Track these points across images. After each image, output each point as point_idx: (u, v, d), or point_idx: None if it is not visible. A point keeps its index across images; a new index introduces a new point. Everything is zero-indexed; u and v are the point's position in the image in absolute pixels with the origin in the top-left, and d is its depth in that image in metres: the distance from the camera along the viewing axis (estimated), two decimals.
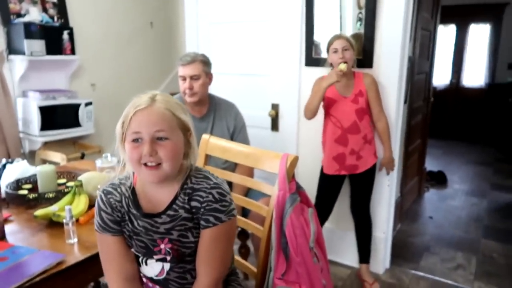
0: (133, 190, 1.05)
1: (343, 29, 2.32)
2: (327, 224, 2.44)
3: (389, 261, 2.54)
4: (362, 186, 2.28)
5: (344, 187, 2.37)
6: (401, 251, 2.73)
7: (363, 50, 2.26)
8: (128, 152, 0.98)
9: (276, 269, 1.19)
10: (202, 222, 1.00)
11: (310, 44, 2.44)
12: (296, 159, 1.25)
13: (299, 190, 1.27)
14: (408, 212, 3.41)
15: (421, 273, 2.47)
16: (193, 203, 1.00)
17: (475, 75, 6.20)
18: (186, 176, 1.02)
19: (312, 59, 2.44)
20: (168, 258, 1.03)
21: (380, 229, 2.43)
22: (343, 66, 2.02)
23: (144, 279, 1.09)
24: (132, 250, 1.06)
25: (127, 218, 1.03)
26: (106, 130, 3.37)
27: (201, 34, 2.92)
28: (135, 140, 0.97)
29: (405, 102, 2.69)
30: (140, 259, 1.07)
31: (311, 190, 2.32)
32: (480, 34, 6.08)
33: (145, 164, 0.97)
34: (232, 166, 1.99)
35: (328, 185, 2.31)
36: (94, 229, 1.06)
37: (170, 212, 1.01)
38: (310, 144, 2.50)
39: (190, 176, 1.03)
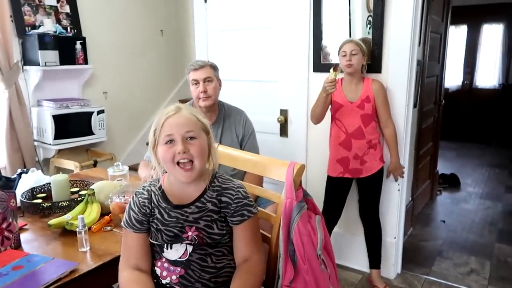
0: (161, 189, 1.19)
1: (353, 34, 2.33)
2: (336, 229, 2.44)
3: (401, 266, 2.53)
4: (369, 190, 2.28)
5: (353, 192, 2.37)
6: (413, 255, 2.71)
7: (372, 55, 2.26)
8: (162, 153, 1.11)
9: (284, 277, 1.21)
10: (237, 218, 1.14)
11: (318, 49, 2.45)
12: (302, 168, 1.26)
13: (306, 198, 1.28)
14: (420, 216, 3.38)
15: (434, 278, 2.45)
16: (224, 199, 1.15)
17: (488, 75, 6.12)
18: (212, 176, 1.18)
19: (320, 65, 2.45)
20: (193, 243, 1.13)
21: (391, 234, 2.42)
22: (331, 75, 2.02)
23: (166, 264, 1.15)
24: (156, 243, 1.16)
25: (156, 212, 1.15)
26: (118, 138, 3.43)
27: (210, 41, 2.96)
28: (168, 142, 1.10)
29: (415, 106, 2.68)
30: (165, 246, 1.15)
31: (320, 195, 2.34)
32: (493, 34, 6.00)
33: (178, 164, 1.10)
34: (241, 174, 2.01)
35: (335, 188, 2.31)
36: (121, 224, 1.19)
37: (198, 204, 1.15)
38: (319, 149, 2.50)
39: (216, 177, 1.19)
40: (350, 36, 2.32)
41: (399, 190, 2.35)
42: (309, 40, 2.48)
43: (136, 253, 1.16)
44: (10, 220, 1.28)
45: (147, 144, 3.49)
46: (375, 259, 2.34)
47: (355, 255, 2.53)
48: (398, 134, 2.24)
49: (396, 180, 2.31)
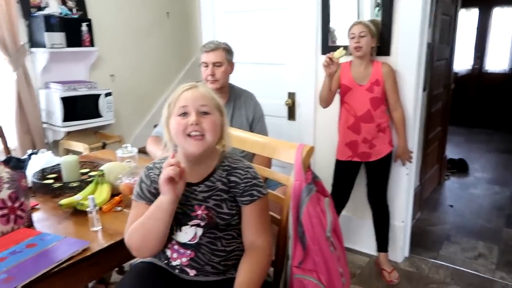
0: None
1: (361, 16, 2.29)
2: (344, 212, 2.44)
3: (408, 249, 2.54)
4: (378, 174, 2.27)
5: (361, 176, 2.36)
6: (421, 240, 2.71)
7: (381, 38, 2.22)
8: (175, 125, 1.11)
9: (293, 258, 1.21)
10: (247, 198, 1.13)
11: (326, 31, 2.41)
12: (311, 150, 1.25)
13: (315, 180, 1.28)
14: (428, 201, 3.37)
15: (441, 262, 2.46)
16: (233, 178, 1.14)
17: (499, 60, 6.02)
18: (222, 156, 1.17)
19: (328, 47, 2.42)
20: (202, 223, 1.13)
21: (399, 217, 2.42)
22: (339, 53, 1.99)
23: (176, 246, 1.15)
24: None
25: None
26: (125, 121, 3.44)
27: (217, 23, 2.93)
28: (182, 114, 1.10)
29: (424, 90, 2.64)
30: (174, 227, 1.14)
31: (328, 178, 2.33)
32: (504, 18, 5.87)
33: (189, 136, 1.09)
34: (250, 156, 2.01)
35: (343, 172, 2.31)
36: (132, 198, 1.19)
37: (208, 183, 1.14)
38: (327, 132, 2.49)
39: (226, 157, 1.18)
40: (358, 18, 2.28)
41: (407, 174, 2.34)
42: (317, 22, 2.44)
43: None
44: (22, 199, 1.30)
45: (155, 126, 3.49)
46: (382, 242, 2.35)
47: (362, 239, 2.54)
48: (407, 118, 2.22)
49: (403, 165, 2.30)
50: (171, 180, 1.04)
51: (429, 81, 2.87)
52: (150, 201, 1.14)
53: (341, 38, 2.36)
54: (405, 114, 2.20)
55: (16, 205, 1.28)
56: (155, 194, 1.14)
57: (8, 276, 1.02)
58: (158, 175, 1.14)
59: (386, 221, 2.33)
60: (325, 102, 2.21)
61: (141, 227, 1.11)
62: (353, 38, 2.08)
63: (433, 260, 2.48)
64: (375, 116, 2.13)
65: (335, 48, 2.33)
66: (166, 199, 1.06)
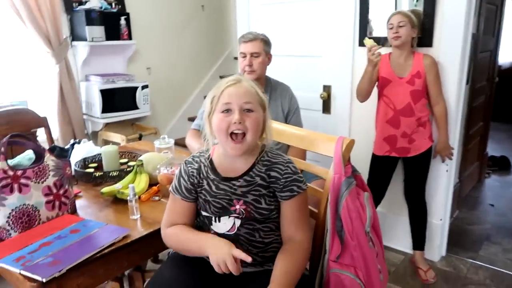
0: (211, 160, 1.18)
1: (399, 6, 2.22)
2: (379, 209, 2.39)
3: (445, 248, 2.45)
4: (416, 170, 2.21)
5: (398, 171, 2.30)
6: (459, 239, 2.62)
7: (422, 28, 2.14)
8: (218, 122, 1.10)
9: (330, 252, 1.19)
10: (286, 193, 1.12)
11: (364, 23, 2.35)
12: (352, 143, 1.23)
13: (354, 174, 1.25)
14: (467, 199, 3.25)
15: (480, 263, 2.36)
16: (273, 173, 1.13)
17: None
18: (262, 151, 1.16)
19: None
20: (240, 217, 1.13)
21: (437, 215, 2.34)
22: (368, 43, 1.94)
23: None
24: (205, 214, 1.16)
25: (205, 183, 1.16)
26: (161, 113, 3.50)
27: (252, 15, 2.91)
28: (225, 111, 1.09)
29: (467, 83, 2.53)
30: (213, 218, 1.16)
31: (363, 173, 2.27)
32: None
33: (231, 136, 1.09)
34: (285, 148, 2.00)
35: (380, 167, 2.26)
36: (170, 189, 1.21)
37: (247, 178, 1.14)
38: (363, 126, 2.44)
39: (266, 151, 1.17)
40: (396, 9, 2.21)
41: (447, 170, 2.26)
42: (355, 13, 2.38)
43: (182, 218, 1.18)
44: (66, 187, 1.35)
45: (189, 119, 3.54)
46: (419, 240, 2.28)
47: (397, 236, 2.48)
48: (449, 112, 2.14)
49: (443, 161, 2.22)
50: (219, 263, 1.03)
51: (471, 74, 2.74)
52: (185, 198, 1.17)
53: (378, 29, 2.30)
54: (447, 108, 2.12)
55: (61, 192, 1.33)
56: (191, 190, 1.16)
57: (54, 260, 1.06)
58: (196, 169, 1.17)
59: (423, 219, 2.26)
60: (364, 96, 2.15)
61: (179, 240, 1.16)
62: (391, 28, 2.02)
63: (471, 261, 2.39)
64: (415, 109, 2.06)
65: (374, 40, 2.28)
66: (208, 255, 1.07)
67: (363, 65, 2.20)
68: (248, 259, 1.00)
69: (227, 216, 1.14)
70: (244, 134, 1.09)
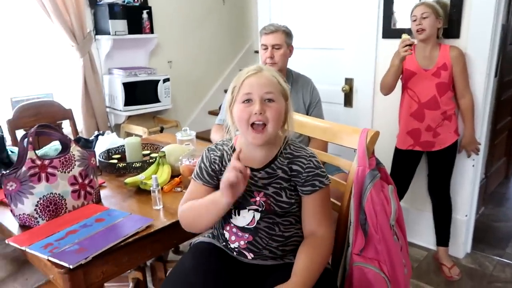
0: (233, 149, 1.17)
1: None
2: (401, 203, 2.34)
3: (471, 245, 2.40)
4: (441, 165, 2.15)
5: (421, 165, 2.25)
6: (484, 235, 2.55)
7: (449, 19, 2.08)
8: (238, 112, 1.09)
9: (354, 245, 1.18)
10: (308, 188, 1.11)
11: (389, 13, 2.30)
12: (377, 135, 1.20)
13: (378, 167, 1.23)
14: (493, 195, 3.16)
15: (508, 261, 2.30)
16: (295, 167, 1.12)
17: None
18: (284, 143, 1.14)
19: (391, 30, 2.31)
20: (260, 209, 1.12)
21: (462, 211, 2.29)
22: (404, 36, 1.91)
23: (234, 229, 1.15)
24: None
25: None
26: (182, 106, 3.53)
27: (273, 7, 2.89)
28: (246, 101, 1.08)
29: (495, 76, 2.45)
30: (233, 211, 1.15)
31: (386, 168, 2.24)
32: None
33: (252, 126, 1.07)
34: (306, 140, 1.99)
35: (402, 161, 2.21)
36: (191, 177, 1.21)
37: (268, 170, 1.12)
38: (386, 120, 2.39)
39: (289, 144, 1.15)
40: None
41: (473, 165, 2.19)
42: (378, 4, 2.33)
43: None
44: (91, 177, 1.37)
45: (209, 113, 3.55)
46: (443, 236, 2.23)
47: (420, 231, 2.44)
48: (476, 106, 2.08)
49: (469, 156, 2.16)
50: (232, 185, 1.02)
51: (500, 67, 2.65)
52: (207, 183, 1.16)
53: (402, 21, 2.24)
54: (474, 102, 2.05)
55: (86, 182, 1.35)
56: (213, 176, 1.16)
57: (80, 247, 1.08)
58: (219, 156, 1.16)
59: (448, 214, 2.21)
60: (389, 88, 2.10)
61: (194, 210, 1.13)
62: (414, 20, 1.96)
63: (498, 258, 2.33)
64: (441, 102, 2.01)
65: (398, 31, 2.24)
66: (223, 201, 1.05)
67: (387, 57, 2.16)
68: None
69: (246, 210, 1.13)
70: (264, 125, 1.07)
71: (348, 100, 2.60)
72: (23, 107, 2.25)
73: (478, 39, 2.03)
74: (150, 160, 1.65)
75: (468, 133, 2.07)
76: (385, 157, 2.25)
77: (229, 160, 1.14)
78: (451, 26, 2.08)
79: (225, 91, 1.06)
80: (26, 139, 1.25)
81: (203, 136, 3.06)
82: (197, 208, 1.13)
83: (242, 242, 1.15)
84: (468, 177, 2.22)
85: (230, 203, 1.06)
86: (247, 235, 1.14)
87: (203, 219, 1.12)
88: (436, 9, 1.95)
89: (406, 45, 1.90)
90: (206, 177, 1.16)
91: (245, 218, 1.13)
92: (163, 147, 1.72)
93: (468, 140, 2.09)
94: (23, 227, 1.24)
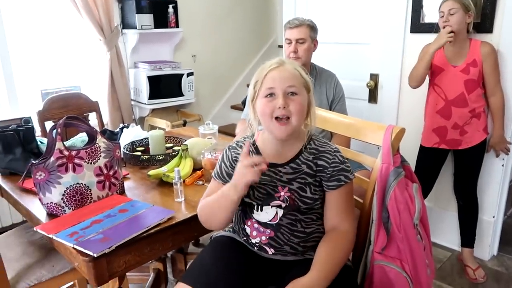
0: (255, 146, 1.17)
1: None
2: (425, 202, 2.28)
3: (497, 247, 2.32)
4: (468, 164, 2.09)
5: (447, 164, 2.20)
6: None
7: (482, 12, 2.00)
8: (261, 106, 1.08)
9: (376, 243, 1.16)
10: (333, 183, 1.10)
11: (418, 7, 2.24)
12: (402, 131, 1.18)
13: (403, 164, 1.20)
14: None
15: None
16: (320, 162, 1.11)
17: None
18: (308, 138, 1.14)
19: (419, 25, 2.25)
20: (284, 205, 1.12)
21: (489, 212, 2.22)
22: (448, 30, 1.85)
23: (256, 225, 1.15)
24: (248, 201, 1.14)
25: None
26: (205, 100, 3.55)
27: (298, 1, 2.86)
28: (269, 95, 1.07)
29: None
30: (255, 207, 1.15)
31: (411, 166, 2.20)
32: None
33: (276, 119, 1.07)
34: (328, 136, 1.97)
35: (428, 160, 2.16)
36: (212, 175, 1.22)
37: (293, 165, 1.12)
38: (412, 117, 2.34)
39: (313, 139, 1.14)
40: None
41: (503, 165, 2.12)
42: None
43: None
44: (116, 168, 1.40)
45: (232, 107, 3.55)
46: (469, 237, 2.17)
47: (445, 231, 2.38)
48: (507, 104, 2.00)
49: (497, 156, 2.09)
50: (249, 183, 1.03)
51: None
52: (226, 182, 1.16)
53: (432, 15, 2.18)
54: (505, 100, 1.98)
55: (111, 173, 1.38)
56: (232, 175, 1.13)
57: (105, 237, 1.11)
58: (239, 154, 1.14)
59: (474, 215, 2.15)
60: (419, 80, 2.03)
61: (209, 206, 1.14)
62: (442, 16, 1.90)
63: None
64: (469, 100, 1.95)
65: (427, 26, 2.18)
66: (236, 195, 1.05)
67: (415, 53, 2.11)
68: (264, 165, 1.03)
69: (269, 206, 1.13)
70: (288, 118, 1.06)
71: (372, 96, 2.55)
72: (52, 99, 2.32)
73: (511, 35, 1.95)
74: (173, 153, 1.67)
75: (497, 132, 2.00)
76: (410, 155, 2.20)
77: (251, 156, 1.13)
78: (483, 20, 2.01)
79: (248, 85, 1.05)
80: (54, 130, 1.28)
81: (226, 130, 3.08)
82: (211, 203, 1.14)
83: (263, 238, 1.14)
84: (496, 177, 2.15)
85: (242, 196, 1.07)
86: (268, 231, 1.14)
87: (217, 214, 1.12)
88: (465, 4, 1.87)
89: (451, 31, 1.85)
90: (226, 177, 1.16)
91: (267, 214, 1.13)
92: (186, 141, 1.74)
93: (497, 139, 2.02)
94: (51, 215, 1.28)
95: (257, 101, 1.10)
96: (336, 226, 1.11)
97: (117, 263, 1.12)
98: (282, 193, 1.11)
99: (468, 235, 2.18)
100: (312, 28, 2.02)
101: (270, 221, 1.13)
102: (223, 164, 1.18)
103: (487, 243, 2.26)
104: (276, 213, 1.12)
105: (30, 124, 1.67)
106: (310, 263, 1.06)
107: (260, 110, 1.08)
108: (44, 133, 2.21)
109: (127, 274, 1.27)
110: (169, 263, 2.13)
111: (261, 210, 1.14)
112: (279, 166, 1.12)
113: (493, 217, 2.22)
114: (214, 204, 1.13)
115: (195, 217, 1.27)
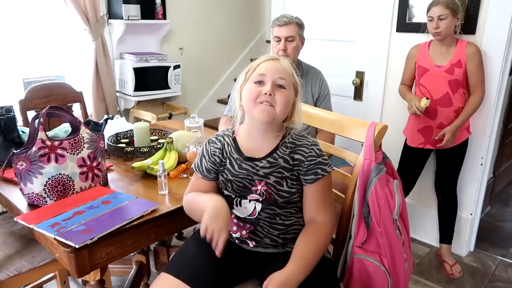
0: (234, 140, 1.17)
1: None
2: (407, 200, 2.34)
3: (474, 244, 2.39)
4: (450, 162, 2.14)
5: (429, 161, 2.24)
6: (489, 235, 2.54)
7: (466, 14, 2.04)
8: (248, 91, 1.09)
9: (356, 237, 1.19)
10: (310, 177, 1.10)
11: (404, 7, 2.27)
12: (385, 128, 1.20)
13: (385, 161, 1.23)
14: (500, 195, 3.14)
15: (510, 261, 2.29)
16: (297, 156, 1.11)
17: None
18: (286, 132, 1.15)
19: (405, 24, 2.28)
20: (261, 199, 1.13)
21: (467, 209, 2.28)
22: (424, 103, 1.95)
23: (236, 220, 1.17)
24: (226, 193, 1.17)
25: (227, 162, 1.15)
26: (191, 93, 3.54)
27: None
28: (258, 82, 1.09)
29: (509, 74, 2.41)
30: (234, 201, 1.16)
31: (394, 164, 2.23)
32: None
33: (260, 104, 1.07)
34: (313, 132, 1.98)
35: (412, 158, 2.20)
36: (191, 166, 1.24)
37: (270, 159, 1.12)
38: (396, 115, 2.38)
39: (290, 133, 1.15)
40: None
41: (482, 164, 2.18)
42: None
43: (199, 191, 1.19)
44: (100, 159, 1.39)
45: (218, 101, 3.54)
46: (447, 233, 2.23)
47: (424, 228, 2.44)
48: (489, 103, 2.05)
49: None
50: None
51: None
52: (205, 177, 1.18)
53: (417, 15, 2.21)
54: (485, 99, 2.02)
55: (94, 164, 1.37)
56: (210, 170, 1.17)
57: (87, 228, 1.10)
58: (219, 148, 1.16)
59: (453, 212, 2.21)
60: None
61: (190, 204, 1.18)
62: (431, 21, 1.92)
63: (501, 258, 2.32)
64: (453, 99, 1.98)
65: (413, 25, 2.21)
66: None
67: (400, 52, 2.15)
68: (217, 252, 1.03)
69: (248, 200, 1.14)
70: (272, 106, 1.07)
71: (358, 93, 2.58)
72: (34, 88, 2.27)
73: (494, 35, 2.00)
74: (158, 146, 1.66)
75: (456, 123, 1.97)
76: (393, 152, 2.24)
77: (230, 152, 1.15)
78: (467, 21, 2.05)
79: (235, 80, 1.05)
80: (37, 120, 1.26)
81: (212, 124, 3.07)
82: (193, 202, 1.17)
83: (244, 232, 1.16)
84: (475, 176, 2.21)
85: None
86: (248, 225, 1.15)
87: (197, 215, 1.13)
88: (453, 9, 1.88)
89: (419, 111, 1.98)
90: (205, 171, 1.17)
91: (246, 209, 1.15)
92: (171, 133, 1.73)
93: (451, 132, 1.98)
94: (32, 206, 1.27)
95: (245, 86, 1.11)
96: (314, 218, 1.12)
97: (99, 254, 1.11)
98: (258, 187, 1.12)
99: (446, 231, 2.24)
100: (300, 26, 2.03)
101: (249, 215, 1.14)
102: (203, 159, 1.18)
103: (465, 240, 2.32)
104: (255, 207, 1.13)
105: (11, 113, 1.64)
106: (290, 256, 1.08)
107: (246, 95, 1.09)
108: (26, 122, 2.17)
109: (109, 266, 1.26)
110: (152, 255, 2.12)
111: (240, 205, 1.15)
112: (256, 160, 1.13)
113: (471, 214, 2.28)
114: (194, 206, 1.16)
115: (178, 210, 1.28)
